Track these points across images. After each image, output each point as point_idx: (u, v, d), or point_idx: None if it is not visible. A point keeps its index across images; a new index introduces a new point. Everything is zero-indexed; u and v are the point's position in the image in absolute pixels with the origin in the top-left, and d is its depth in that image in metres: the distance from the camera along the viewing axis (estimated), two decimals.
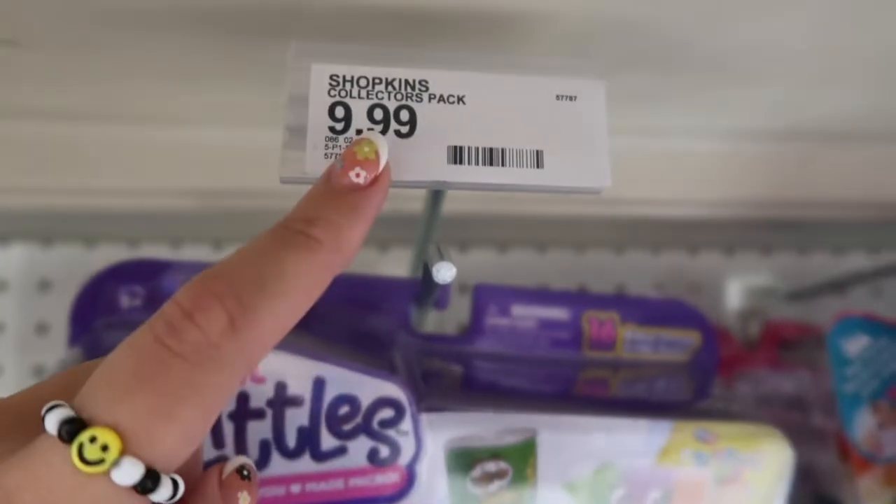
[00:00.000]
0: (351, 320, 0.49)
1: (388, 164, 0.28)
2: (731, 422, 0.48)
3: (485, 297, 0.51)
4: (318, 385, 0.42)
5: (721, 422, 0.47)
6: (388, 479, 0.44)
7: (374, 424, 0.43)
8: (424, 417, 0.43)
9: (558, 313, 0.52)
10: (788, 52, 0.51)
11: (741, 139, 0.73)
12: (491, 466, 0.45)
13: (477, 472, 0.45)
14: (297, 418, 0.42)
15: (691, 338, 0.54)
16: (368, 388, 0.42)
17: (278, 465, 0.42)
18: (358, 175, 0.27)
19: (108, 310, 0.48)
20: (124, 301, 0.48)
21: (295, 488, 0.43)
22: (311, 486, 0.43)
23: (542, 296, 0.52)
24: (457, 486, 0.45)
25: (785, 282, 0.84)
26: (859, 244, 0.88)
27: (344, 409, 0.42)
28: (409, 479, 0.44)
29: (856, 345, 0.59)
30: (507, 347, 0.51)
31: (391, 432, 0.43)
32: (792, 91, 0.60)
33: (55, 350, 0.75)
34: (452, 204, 0.47)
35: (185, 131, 0.66)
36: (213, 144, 0.66)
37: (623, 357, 0.52)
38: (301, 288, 0.24)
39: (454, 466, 0.44)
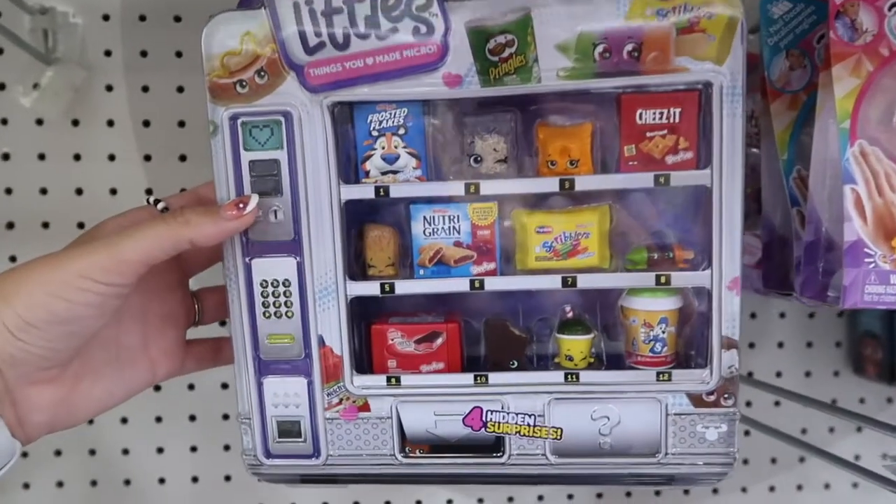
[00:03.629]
0: None
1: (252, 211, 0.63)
2: None
3: None
4: None
5: None
6: (429, 49, 0.64)
7: (413, 9, 0.63)
8: (447, 4, 0.63)
9: None
10: None
11: None
12: (501, 38, 0.63)
13: (491, 44, 0.64)
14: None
15: None
16: None
17: (356, 45, 0.64)
18: (230, 210, 0.62)
19: None
20: None
21: (369, 60, 0.65)
22: (379, 58, 0.65)
23: None
24: (479, 55, 0.64)
25: None
26: None
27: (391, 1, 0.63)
28: (444, 49, 0.64)
29: (780, 8, 0.72)
30: None
31: (426, 14, 0.63)
32: None
33: None
34: None
35: None
36: None
37: None
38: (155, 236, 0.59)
39: (474, 41, 0.64)
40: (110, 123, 0.94)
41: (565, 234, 0.69)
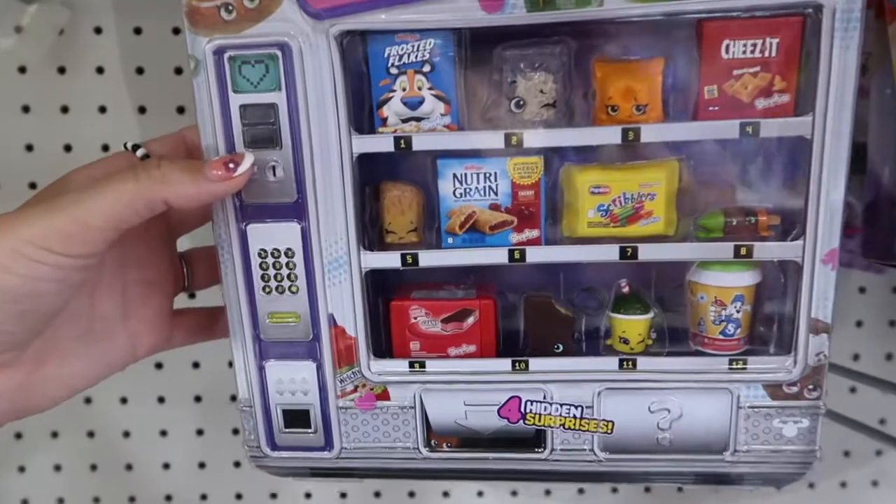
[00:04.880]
0: None
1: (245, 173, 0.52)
2: None
3: None
4: None
5: None
6: None
7: None
8: None
9: None
10: None
11: None
12: None
13: None
14: None
15: None
16: None
17: None
18: (216, 169, 0.51)
19: None
20: None
21: None
22: None
23: None
24: None
25: None
26: None
27: None
28: None
29: None
30: None
31: None
32: None
33: None
34: None
35: None
36: None
37: None
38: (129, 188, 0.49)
39: None
40: (100, 71, 0.83)
41: (626, 195, 0.57)
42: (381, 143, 0.57)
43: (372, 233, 0.61)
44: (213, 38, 0.54)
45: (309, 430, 0.64)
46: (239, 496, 0.95)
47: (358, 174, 0.57)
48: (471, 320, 0.61)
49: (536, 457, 0.63)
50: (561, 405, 0.61)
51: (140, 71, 0.83)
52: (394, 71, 0.55)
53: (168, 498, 0.95)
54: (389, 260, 0.59)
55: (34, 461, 0.94)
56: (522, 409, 0.61)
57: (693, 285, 0.60)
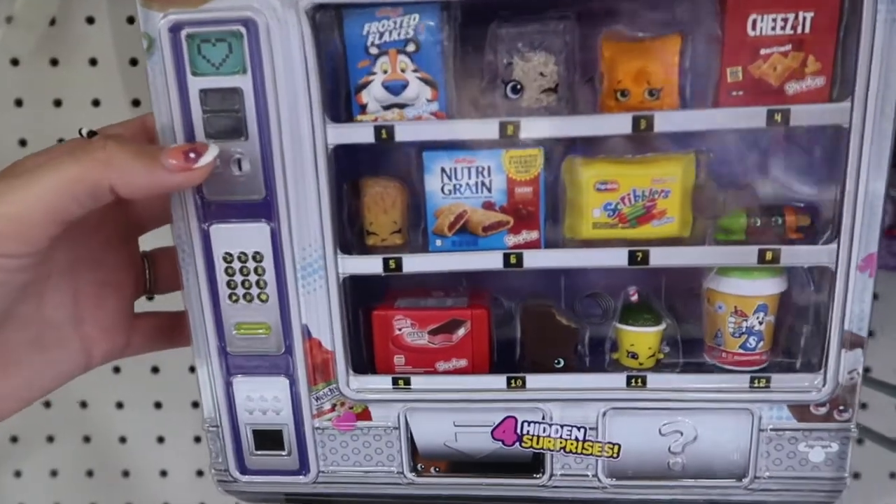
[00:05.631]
0: None
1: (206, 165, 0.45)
2: None
3: None
4: None
5: None
6: None
7: None
8: None
9: None
10: None
11: None
12: None
13: None
14: None
15: None
16: None
17: None
18: (174, 158, 0.44)
19: None
20: None
21: None
22: None
23: None
24: None
25: None
26: None
27: None
28: None
29: None
30: None
31: None
32: None
33: None
34: None
35: None
36: None
37: None
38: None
39: None
40: (93, 62, 0.80)
41: (636, 191, 0.50)
42: (359, 132, 0.50)
43: (351, 234, 0.55)
44: (167, 13, 0.48)
45: (282, 453, 0.58)
46: None
47: (334, 168, 0.51)
48: (461, 332, 0.55)
49: (534, 483, 0.57)
50: (562, 426, 0.55)
51: (134, 62, 0.80)
52: (374, 51, 0.49)
53: None
54: (370, 265, 0.53)
55: (30, 466, 0.92)
56: (519, 431, 0.55)
57: (710, 293, 0.54)
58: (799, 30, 0.46)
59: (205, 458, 0.85)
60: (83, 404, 0.88)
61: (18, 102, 0.80)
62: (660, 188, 0.50)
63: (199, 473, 0.90)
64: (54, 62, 0.79)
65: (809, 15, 0.45)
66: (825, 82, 0.47)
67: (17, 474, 0.92)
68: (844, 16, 0.46)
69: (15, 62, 0.79)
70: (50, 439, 0.90)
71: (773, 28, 0.46)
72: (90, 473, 0.91)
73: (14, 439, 0.90)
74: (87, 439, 0.90)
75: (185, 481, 0.91)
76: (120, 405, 0.88)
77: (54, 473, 0.92)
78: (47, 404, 0.88)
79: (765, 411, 0.53)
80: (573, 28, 0.50)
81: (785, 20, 0.46)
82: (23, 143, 0.81)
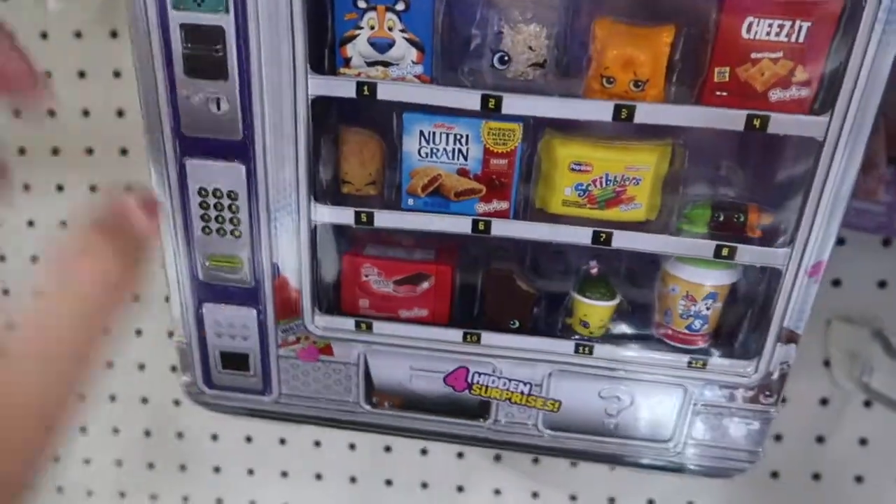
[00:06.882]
0: None
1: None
2: None
3: None
4: None
5: None
6: None
7: None
8: None
9: None
10: None
11: None
12: None
13: None
14: None
15: None
16: None
17: None
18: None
19: None
20: None
21: None
22: None
23: None
24: None
25: None
26: None
27: None
28: None
29: None
30: None
31: None
32: None
33: None
34: None
35: None
36: None
37: None
38: None
39: None
40: None
41: (608, 176, 0.51)
42: (341, 86, 0.50)
43: (326, 175, 0.55)
44: None
45: (248, 373, 0.61)
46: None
47: (314, 115, 0.50)
48: (425, 285, 0.57)
49: (480, 425, 0.61)
50: (510, 380, 0.59)
51: None
52: (362, 4, 0.47)
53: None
54: (342, 215, 0.54)
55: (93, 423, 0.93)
56: (469, 380, 0.59)
57: (666, 275, 0.56)
58: (793, 38, 0.45)
59: (254, 424, 0.84)
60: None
61: (81, 74, 0.77)
62: (632, 175, 0.51)
63: (248, 440, 0.91)
64: (114, 34, 0.74)
65: (806, 24, 0.44)
66: (810, 94, 0.46)
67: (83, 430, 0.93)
68: (840, 30, 0.45)
69: (78, 34, 0.76)
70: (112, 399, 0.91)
71: (769, 33, 0.45)
72: (147, 434, 0.93)
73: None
74: (144, 401, 0.91)
75: (236, 446, 0.92)
76: (173, 368, 0.87)
77: (116, 431, 0.93)
78: None
79: (698, 388, 0.57)
80: (570, 5, 0.48)
81: (781, 27, 0.45)
82: (86, 113, 0.78)
